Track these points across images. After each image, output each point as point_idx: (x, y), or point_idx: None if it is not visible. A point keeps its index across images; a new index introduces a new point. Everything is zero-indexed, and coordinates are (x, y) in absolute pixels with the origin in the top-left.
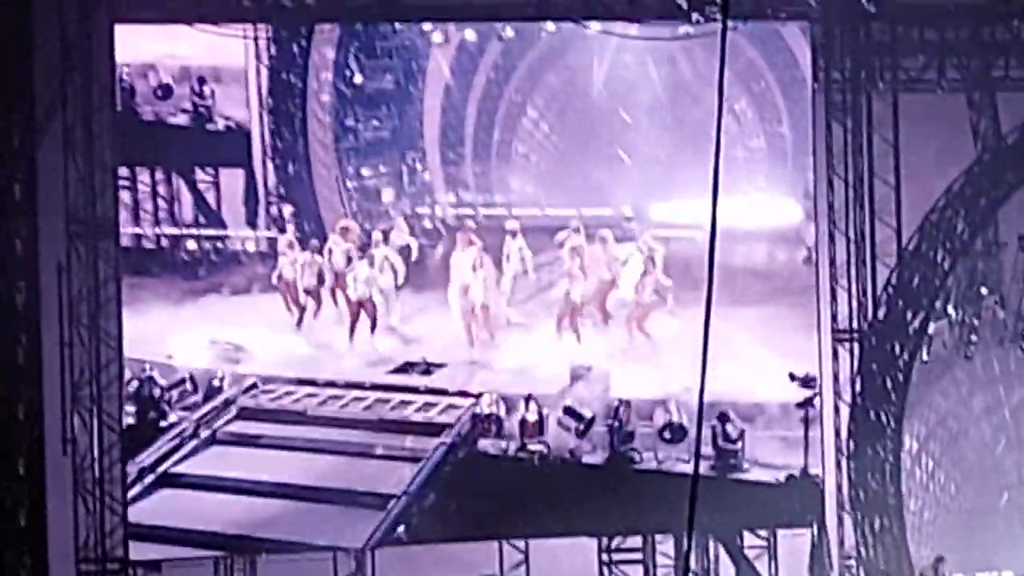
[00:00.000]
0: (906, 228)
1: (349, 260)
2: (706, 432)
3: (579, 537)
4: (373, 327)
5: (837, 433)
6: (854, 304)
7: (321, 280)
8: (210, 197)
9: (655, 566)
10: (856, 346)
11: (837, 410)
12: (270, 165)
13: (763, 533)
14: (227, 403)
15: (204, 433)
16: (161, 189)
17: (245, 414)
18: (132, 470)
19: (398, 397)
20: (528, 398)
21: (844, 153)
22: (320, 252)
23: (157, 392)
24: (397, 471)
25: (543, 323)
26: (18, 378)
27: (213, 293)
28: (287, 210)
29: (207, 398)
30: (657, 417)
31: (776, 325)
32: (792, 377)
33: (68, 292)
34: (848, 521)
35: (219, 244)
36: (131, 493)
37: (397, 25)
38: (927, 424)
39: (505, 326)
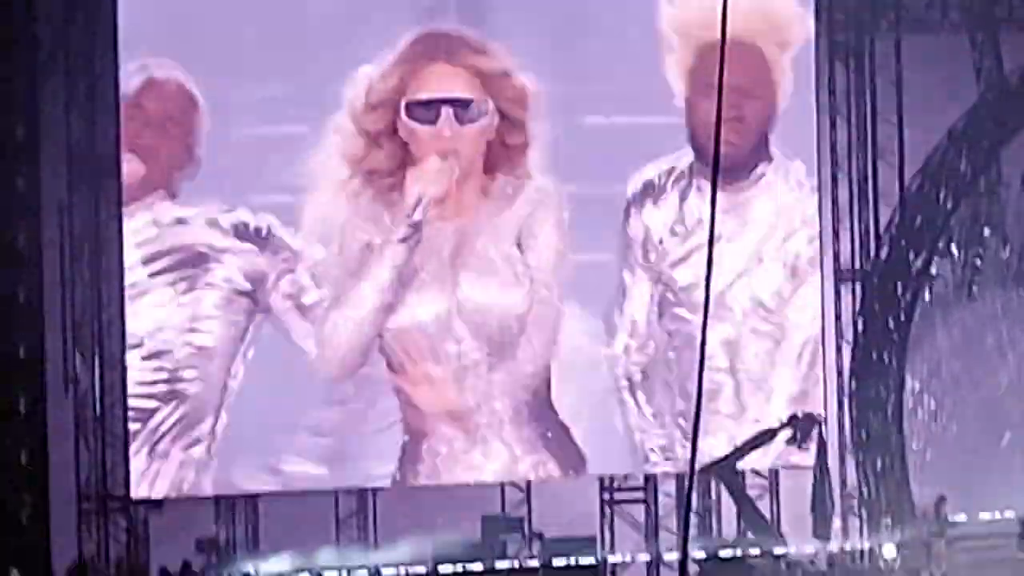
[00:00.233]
0: (909, 168)
1: None
2: None
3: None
4: None
5: (839, 373)
6: (856, 244)
7: None
8: None
9: (657, 505)
10: (858, 286)
11: (839, 350)
12: None
13: (764, 472)
14: None
15: None
16: None
17: None
18: None
19: None
20: None
21: (847, 94)
22: None
23: None
24: None
25: None
26: (19, 317)
27: None
28: None
29: None
30: None
31: None
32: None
33: (70, 231)
34: (850, 461)
35: None
36: None
37: None
38: (929, 364)
39: None
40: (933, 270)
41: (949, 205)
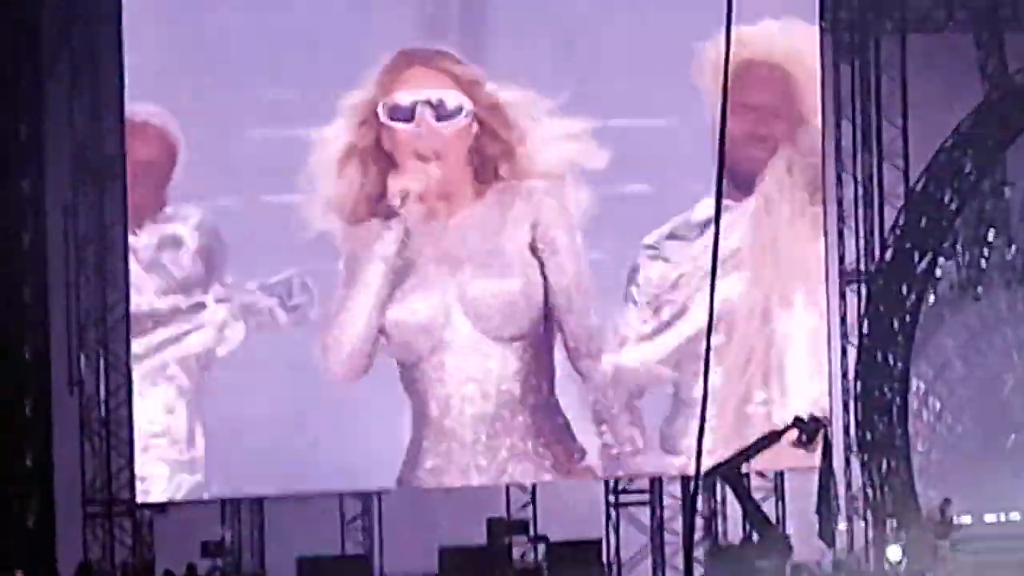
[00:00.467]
0: (914, 169)
1: None
2: None
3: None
4: None
5: (844, 375)
6: (862, 246)
7: None
8: None
9: (662, 507)
10: (864, 288)
11: (844, 352)
12: None
13: (769, 475)
14: None
15: None
16: None
17: None
18: None
19: None
20: None
21: (852, 94)
22: None
23: None
24: None
25: None
26: (25, 319)
27: None
28: None
29: None
30: None
31: None
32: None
33: (75, 233)
34: (855, 463)
35: None
36: None
37: None
38: (934, 366)
39: None
40: (938, 271)
41: (954, 206)
